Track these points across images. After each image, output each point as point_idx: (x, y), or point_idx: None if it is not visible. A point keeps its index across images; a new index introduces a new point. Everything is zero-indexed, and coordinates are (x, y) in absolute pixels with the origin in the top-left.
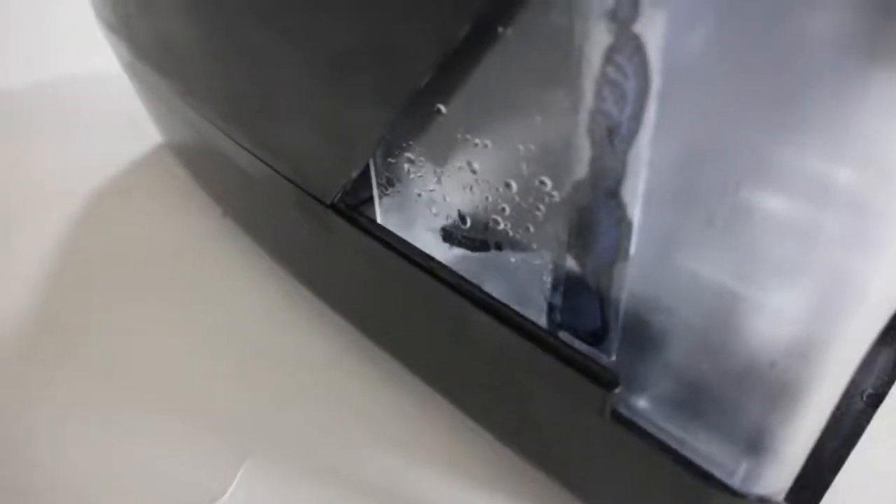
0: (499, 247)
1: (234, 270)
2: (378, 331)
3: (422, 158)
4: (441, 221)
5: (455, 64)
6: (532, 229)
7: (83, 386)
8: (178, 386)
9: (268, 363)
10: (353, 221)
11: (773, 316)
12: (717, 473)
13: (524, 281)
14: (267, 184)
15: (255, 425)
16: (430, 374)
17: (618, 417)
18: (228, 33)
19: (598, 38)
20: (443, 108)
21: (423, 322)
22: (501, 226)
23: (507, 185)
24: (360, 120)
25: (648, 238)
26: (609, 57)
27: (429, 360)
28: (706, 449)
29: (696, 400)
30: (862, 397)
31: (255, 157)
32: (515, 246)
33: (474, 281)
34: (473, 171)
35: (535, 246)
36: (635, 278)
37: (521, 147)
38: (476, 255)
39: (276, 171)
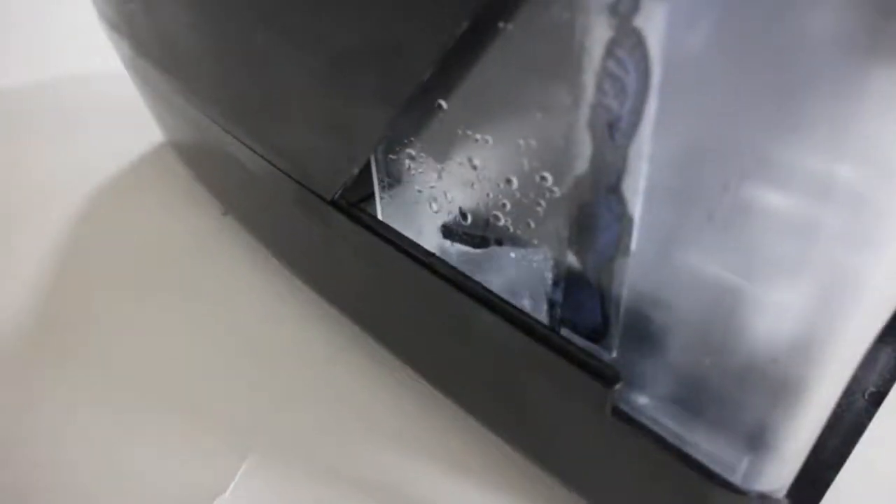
0: (499, 243)
1: (235, 268)
2: (379, 328)
3: (423, 154)
4: (442, 218)
5: (456, 59)
6: (533, 225)
7: (83, 385)
8: (179, 384)
9: (269, 361)
10: (354, 218)
11: (775, 313)
12: (719, 470)
13: (525, 277)
14: (268, 181)
15: (255, 423)
16: (431, 372)
17: (619, 414)
18: (230, 31)
19: (599, 33)
20: (444, 104)
21: (424, 319)
22: (502, 222)
23: (508, 181)
24: (362, 116)
25: (649, 234)
26: (610, 51)
27: (430, 358)
28: (707, 446)
29: (697, 396)
30: (864, 395)
31: (257, 154)
32: (516, 242)
33: (475, 277)
34: (474, 167)
35: (535, 242)
36: (636, 274)
37: (521, 142)
38: (477, 251)
39: (277, 168)
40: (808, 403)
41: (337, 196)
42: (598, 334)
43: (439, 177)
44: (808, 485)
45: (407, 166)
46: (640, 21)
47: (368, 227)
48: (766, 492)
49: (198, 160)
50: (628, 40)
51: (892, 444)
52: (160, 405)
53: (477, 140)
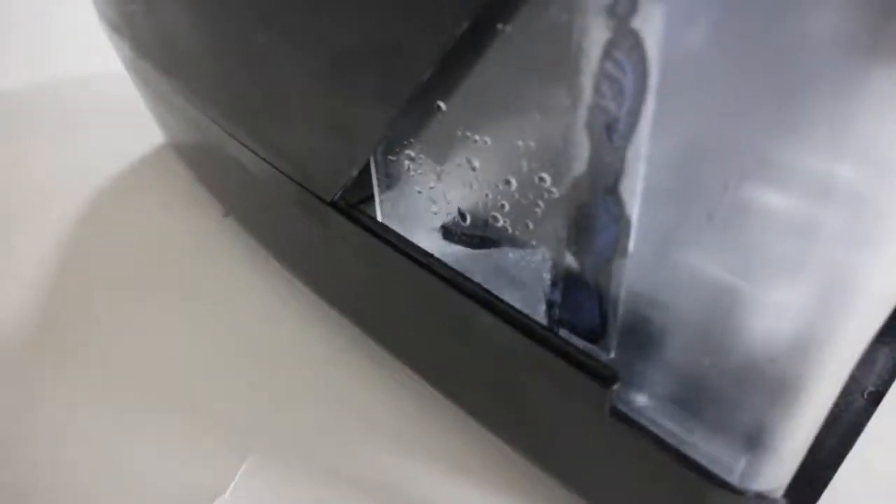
0: (498, 244)
1: (235, 269)
2: (379, 329)
3: (422, 156)
4: (441, 219)
5: (455, 61)
6: (531, 226)
7: (83, 385)
8: (179, 384)
9: (269, 361)
10: (353, 219)
11: (773, 313)
12: (716, 470)
13: (523, 278)
14: (268, 182)
15: (255, 423)
16: (431, 373)
17: (617, 414)
18: (230, 31)
19: (597, 34)
20: (443, 106)
21: (424, 320)
22: (501, 223)
23: (507, 182)
24: (361, 117)
25: (647, 235)
26: (608, 52)
27: (429, 358)
28: (705, 445)
29: (694, 396)
30: (862, 395)
31: (257, 155)
32: (515, 243)
33: (474, 278)
34: (473, 168)
35: (534, 243)
36: (634, 275)
37: (520, 143)
38: (476, 252)
39: (277, 169)
40: (806, 403)
41: (337, 197)
42: (596, 335)
43: (438, 178)
44: (806, 484)
45: (406, 167)
46: (637, 22)
47: (368, 229)
48: (764, 491)
49: (198, 161)
50: (626, 42)
51: (890, 443)
52: (160, 405)
53: (476, 141)
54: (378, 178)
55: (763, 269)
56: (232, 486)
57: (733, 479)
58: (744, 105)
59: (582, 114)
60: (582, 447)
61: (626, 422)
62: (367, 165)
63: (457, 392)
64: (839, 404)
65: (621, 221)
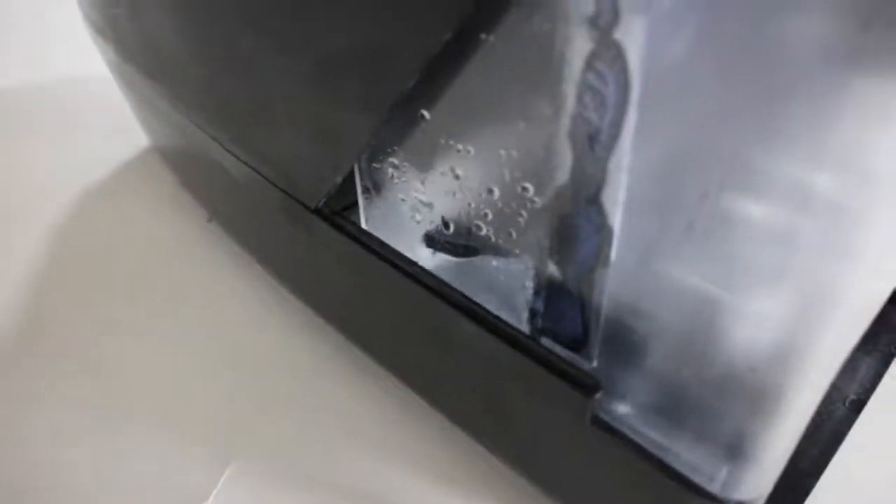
0: (481, 252)
1: (220, 275)
2: (363, 336)
3: (406, 164)
4: (424, 227)
5: (438, 70)
6: (514, 235)
7: (70, 389)
8: (162, 390)
9: (252, 368)
10: (337, 226)
11: (754, 322)
12: (698, 479)
13: (506, 287)
14: (252, 188)
15: (238, 430)
16: (415, 380)
17: (598, 423)
18: (214, 37)
19: (579, 45)
20: (426, 114)
21: (407, 327)
22: (484, 231)
23: (490, 191)
24: (345, 125)
25: (629, 244)
26: (590, 63)
27: (413, 366)
28: (686, 454)
29: (676, 406)
30: (844, 403)
31: (241, 161)
32: (498, 252)
33: (457, 286)
34: (456, 177)
35: (517, 252)
36: (616, 284)
37: (503, 153)
38: (459, 260)
39: (261, 175)
40: (787, 412)
41: (321, 204)
42: (578, 344)
43: (422, 186)
44: (788, 493)
45: (390, 175)
46: (619, 34)
47: (351, 236)
48: (745, 500)
49: (183, 166)
50: (608, 53)
51: (871, 451)
52: (142, 411)
53: (459, 150)
54: (362, 186)
55: (744, 279)
56: (214, 492)
57: (714, 488)
58: (725, 115)
59: (564, 124)
60: (564, 456)
61: (608, 431)
62: (352, 173)
63: (440, 400)
64: (821, 413)
65: (603, 231)
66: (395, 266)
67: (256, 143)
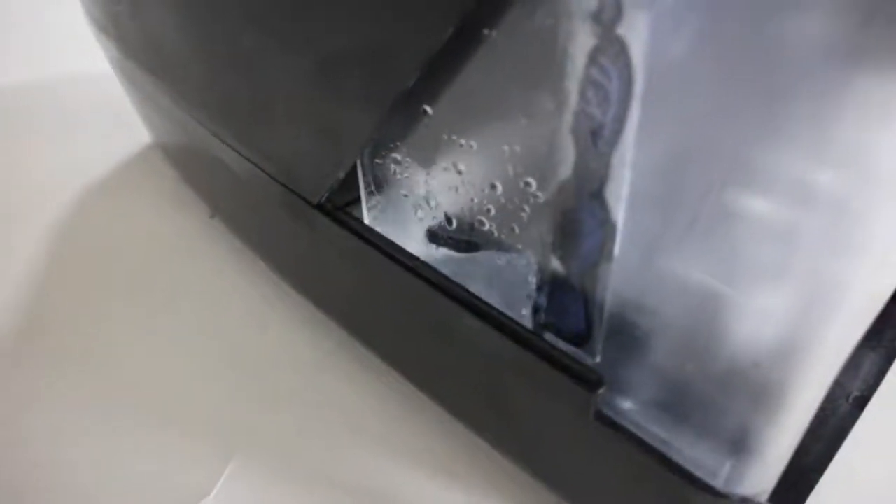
0: (484, 248)
1: (222, 271)
2: (365, 332)
3: (408, 159)
4: (427, 222)
5: (441, 65)
6: (517, 230)
7: (70, 387)
8: (165, 386)
9: (255, 364)
10: (339, 222)
11: (757, 317)
12: (701, 474)
13: (509, 282)
14: (254, 184)
15: (240, 425)
16: (417, 375)
17: (602, 418)
18: (216, 33)
19: (582, 41)
20: (429, 110)
21: (410, 323)
22: (487, 227)
23: (493, 186)
24: (348, 120)
25: (632, 239)
26: (593, 59)
27: (415, 361)
28: (690, 449)
29: (679, 401)
30: (847, 399)
31: (243, 156)
32: (501, 247)
33: (460, 282)
34: (459, 172)
35: (520, 247)
36: (619, 280)
37: (506, 148)
38: (461, 255)
39: (263, 171)
40: (791, 408)
41: (323, 200)
42: (581, 339)
43: (425, 181)
44: (791, 488)
45: (393, 171)
46: (622, 29)
47: (354, 231)
48: (749, 495)
49: (185, 162)
50: (611, 48)
51: (875, 448)
52: (143, 409)
53: (462, 145)
54: (365, 181)
55: (747, 274)
56: (217, 488)
57: (718, 482)
58: (728, 111)
59: (567, 119)
60: (567, 451)
61: (611, 426)
62: (354, 168)
63: (443, 395)
64: (824, 409)
65: (606, 226)
66: (398, 262)
67: (259, 138)
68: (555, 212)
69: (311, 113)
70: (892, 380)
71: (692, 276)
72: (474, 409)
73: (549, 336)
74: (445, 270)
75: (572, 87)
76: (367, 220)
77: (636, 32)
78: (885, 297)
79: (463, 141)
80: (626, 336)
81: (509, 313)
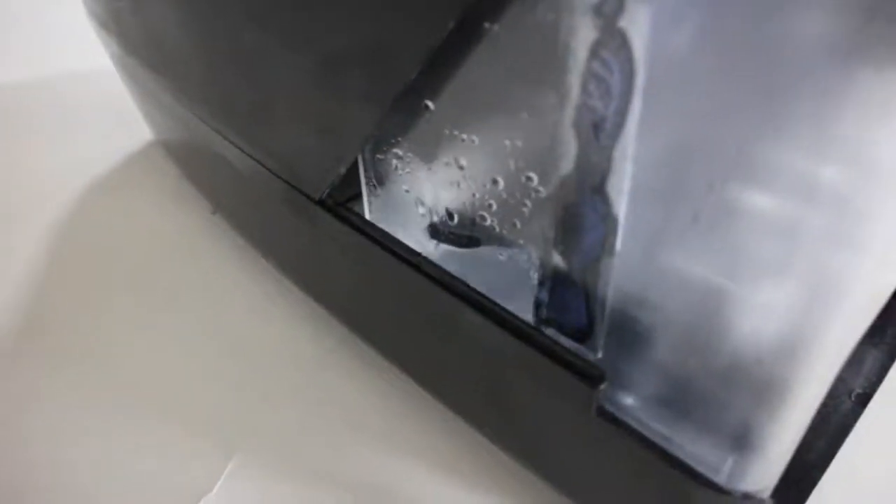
0: (486, 243)
1: (223, 268)
2: (367, 328)
3: (410, 155)
4: (429, 218)
5: (442, 60)
6: (519, 225)
7: (72, 385)
8: (166, 383)
9: (256, 360)
10: (341, 217)
11: (759, 313)
12: (703, 470)
13: (511, 277)
14: (256, 180)
15: (242, 422)
16: (418, 372)
17: (604, 414)
18: (217, 29)
19: (584, 34)
20: (430, 104)
21: (412, 319)
22: (488, 222)
23: (494, 181)
24: (349, 116)
25: (634, 234)
26: (594, 52)
27: (417, 358)
28: (692, 446)
29: (682, 397)
30: (850, 397)
31: (244, 153)
32: (502, 242)
33: (461, 277)
34: (461, 167)
35: (521, 242)
36: (621, 275)
37: (507, 143)
38: (463, 251)
39: (265, 167)
40: (793, 404)
41: (324, 195)
42: (583, 334)
43: (426, 177)
44: (793, 485)
45: (394, 166)
46: (624, 22)
47: (355, 227)
48: (751, 492)
49: (186, 159)
50: (613, 41)
51: (877, 445)
52: (145, 406)
53: (463, 140)
54: (366, 177)
55: (749, 270)
56: (218, 484)
57: (720, 479)
58: (730, 105)
59: (569, 113)
60: (569, 447)
61: (613, 422)
62: (355, 164)
63: (445, 392)
64: (827, 406)
65: (608, 221)
66: (400, 257)
67: (260, 134)
68: (556, 206)
69: (313, 109)
70: (895, 377)
71: (694, 271)
72: (476, 406)
73: (550, 331)
74: (447, 266)
75: (574, 80)
76: (368, 216)
77: (638, 25)
78: (887, 293)
79: (464, 136)
80: (628, 331)
81: (511, 309)
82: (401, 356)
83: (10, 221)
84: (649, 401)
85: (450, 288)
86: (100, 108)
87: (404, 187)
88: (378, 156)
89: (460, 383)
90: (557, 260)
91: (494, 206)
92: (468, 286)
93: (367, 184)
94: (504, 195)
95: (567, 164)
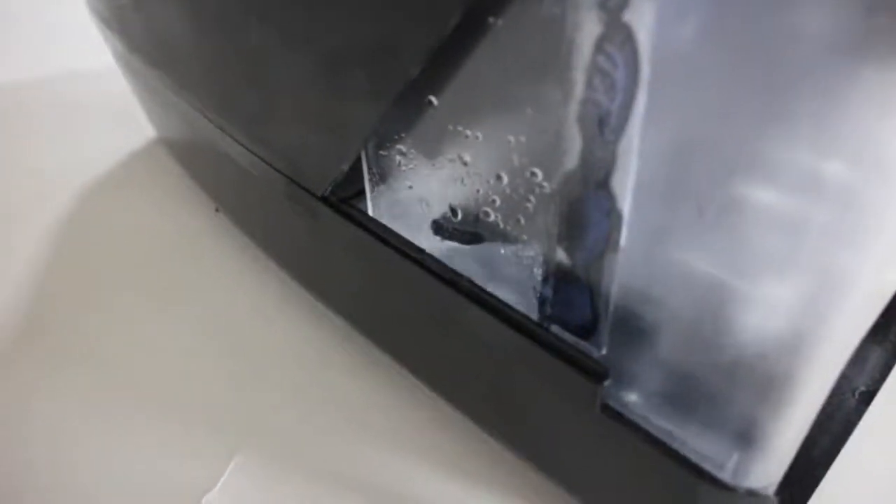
0: (489, 239)
1: (227, 265)
2: (370, 326)
3: (413, 151)
4: (432, 214)
5: (446, 55)
6: (523, 221)
7: (77, 383)
8: (169, 381)
9: (259, 358)
10: (344, 214)
11: (764, 309)
12: (708, 467)
13: (515, 273)
14: (259, 177)
15: (245, 420)
16: (422, 369)
17: (608, 410)
18: (220, 26)
19: (589, 28)
20: (434, 100)
21: (415, 316)
22: (492, 218)
23: (498, 177)
24: (352, 112)
25: (638, 230)
26: (599, 47)
27: (421, 355)
28: (696, 442)
29: (686, 393)
30: (854, 394)
31: (247, 150)
32: (506, 238)
33: (465, 274)
34: (464, 163)
35: (525, 238)
36: (625, 270)
37: (511, 138)
38: (467, 247)
39: (267, 163)
40: (797, 400)
41: (327, 192)
42: (587, 330)
43: (430, 173)
44: (798, 482)
45: (397, 162)
46: (629, 16)
47: (359, 223)
48: (756, 489)
49: (189, 157)
50: (618, 35)
51: (881, 443)
52: (150, 402)
53: (467, 136)
54: (369, 173)
55: (754, 266)
56: (220, 482)
57: (725, 475)
58: (734, 101)
59: (573, 108)
60: (573, 444)
61: (617, 418)
62: (359, 160)
63: (448, 389)
64: (831, 403)
65: (613, 216)
66: (403, 254)
67: (263, 131)
68: (561, 202)
69: (316, 105)
70: None
71: (699, 267)
72: (480, 403)
73: (554, 328)
74: (450, 263)
75: (578, 75)
76: (371, 213)
77: (643, 19)
78: (891, 291)
79: (468, 132)
80: (633, 327)
81: (515, 305)
82: (404, 354)
83: (10, 221)
84: (654, 397)
85: (453, 284)
86: (100, 108)
87: (408, 184)
88: (381, 152)
89: (464, 380)
90: (561, 256)
91: (498, 202)
92: (472, 283)
93: (370, 180)
94: (508, 191)
95: (571, 160)
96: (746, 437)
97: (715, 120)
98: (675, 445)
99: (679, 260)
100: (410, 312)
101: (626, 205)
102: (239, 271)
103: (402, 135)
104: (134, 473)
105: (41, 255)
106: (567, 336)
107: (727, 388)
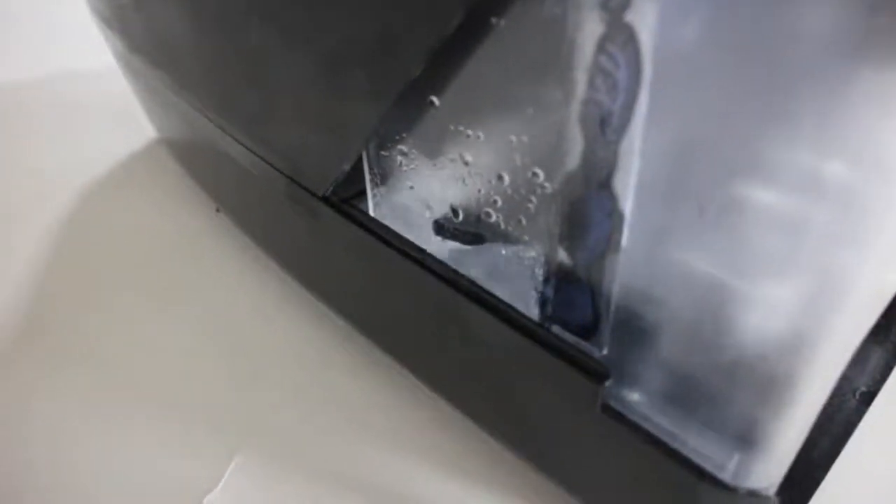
0: (491, 239)
1: (227, 265)
2: (371, 326)
3: (414, 151)
4: (433, 214)
5: (448, 55)
6: (524, 221)
7: (77, 383)
8: (170, 381)
9: (260, 358)
10: (345, 214)
11: (765, 310)
12: (708, 467)
13: (516, 274)
14: (260, 177)
15: (246, 420)
16: (423, 369)
17: (608, 411)
18: (221, 26)
19: (591, 28)
20: (435, 100)
21: (416, 316)
22: (493, 218)
23: (500, 177)
24: (353, 112)
25: (640, 230)
26: (601, 47)
27: (421, 355)
28: (697, 442)
29: (687, 393)
30: (854, 395)
31: (248, 149)
32: (507, 238)
33: (466, 274)
34: (466, 163)
35: (526, 238)
36: (627, 271)
37: (513, 138)
38: (468, 247)
39: (268, 163)
40: (798, 401)
41: (328, 192)
42: (588, 331)
43: (431, 173)
44: (798, 483)
45: (399, 162)
46: (631, 16)
47: (360, 224)
48: (756, 489)
49: (190, 157)
50: (620, 36)
51: (882, 444)
52: (151, 402)
53: (468, 136)
54: (370, 173)
55: (755, 266)
56: (222, 482)
57: (726, 476)
58: (736, 101)
59: (575, 108)
60: (573, 444)
61: (618, 418)
62: (360, 160)
63: (449, 389)
64: (831, 404)
65: (614, 216)
66: (404, 254)
67: (263, 131)
68: (562, 202)
69: (317, 105)
70: None
71: (700, 267)
72: (481, 403)
73: (555, 328)
74: (452, 263)
75: (580, 75)
76: (372, 213)
77: (645, 19)
78: (892, 291)
79: (470, 132)
80: (634, 328)
81: (516, 305)
82: (405, 354)
83: (10, 221)
84: (654, 397)
85: (454, 285)
86: (100, 108)
87: (409, 184)
88: (382, 152)
89: (465, 381)
90: (563, 256)
91: (500, 203)
92: (473, 283)
93: (371, 180)
94: (509, 191)
95: (573, 160)
96: (747, 438)
97: (716, 120)
98: (676, 446)
99: (680, 260)
100: (411, 312)
101: (627, 205)
102: (239, 271)
103: (404, 135)
104: (134, 474)
105: (41, 255)
106: (568, 336)
107: (728, 388)
